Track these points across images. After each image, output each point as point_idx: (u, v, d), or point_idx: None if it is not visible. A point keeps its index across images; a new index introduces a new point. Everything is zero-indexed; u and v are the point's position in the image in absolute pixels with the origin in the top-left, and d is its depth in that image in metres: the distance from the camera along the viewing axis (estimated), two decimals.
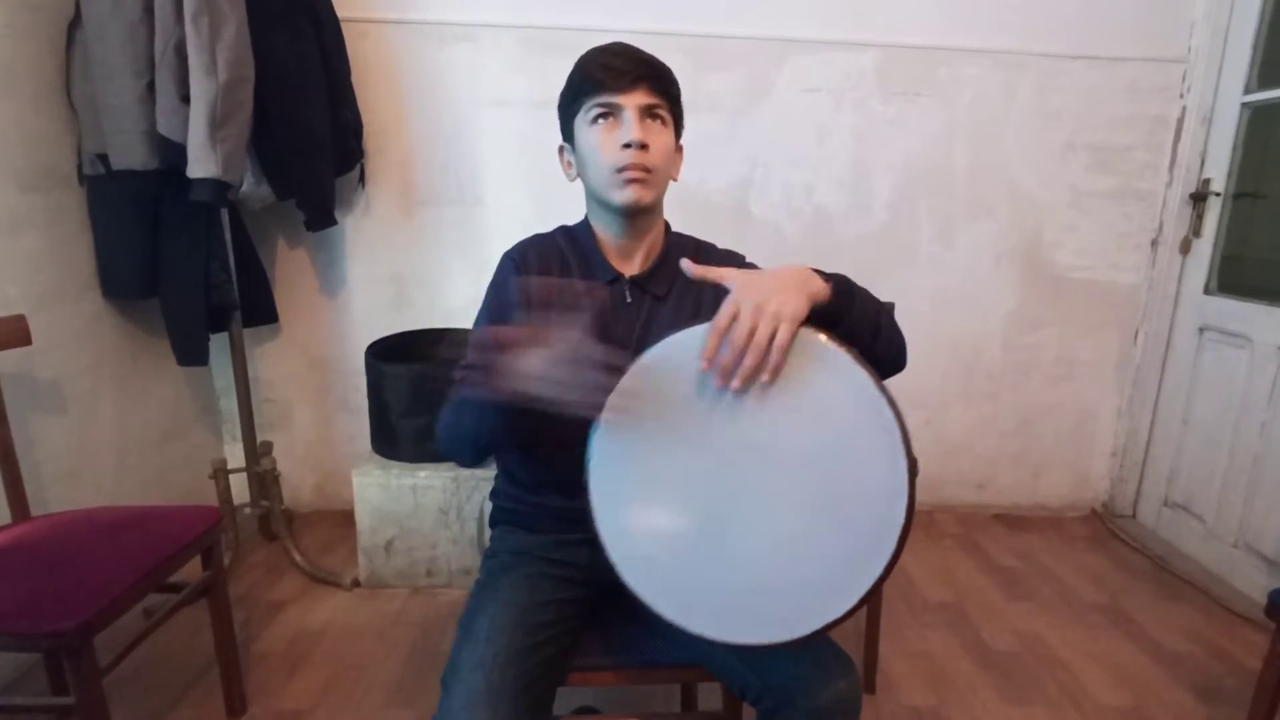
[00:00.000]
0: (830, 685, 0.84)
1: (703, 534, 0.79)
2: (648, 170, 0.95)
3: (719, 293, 1.04)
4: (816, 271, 0.81)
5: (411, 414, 1.88)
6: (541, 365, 0.73)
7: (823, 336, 0.75)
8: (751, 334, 0.72)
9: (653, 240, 1.05)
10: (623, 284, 1.02)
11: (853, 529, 0.74)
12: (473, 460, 0.96)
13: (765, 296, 0.74)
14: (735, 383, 0.73)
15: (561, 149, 1.05)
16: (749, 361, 0.73)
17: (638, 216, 1.01)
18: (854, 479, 0.73)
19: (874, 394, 0.73)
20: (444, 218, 2.18)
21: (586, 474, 0.82)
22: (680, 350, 0.78)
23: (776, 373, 0.73)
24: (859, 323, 0.83)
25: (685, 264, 0.82)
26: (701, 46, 2.08)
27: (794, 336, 0.73)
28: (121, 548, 1.20)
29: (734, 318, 0.74)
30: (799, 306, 0.74)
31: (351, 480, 1.87)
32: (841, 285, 0.82)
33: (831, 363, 0.74)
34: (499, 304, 1.00)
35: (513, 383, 0.74)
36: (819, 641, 0.88)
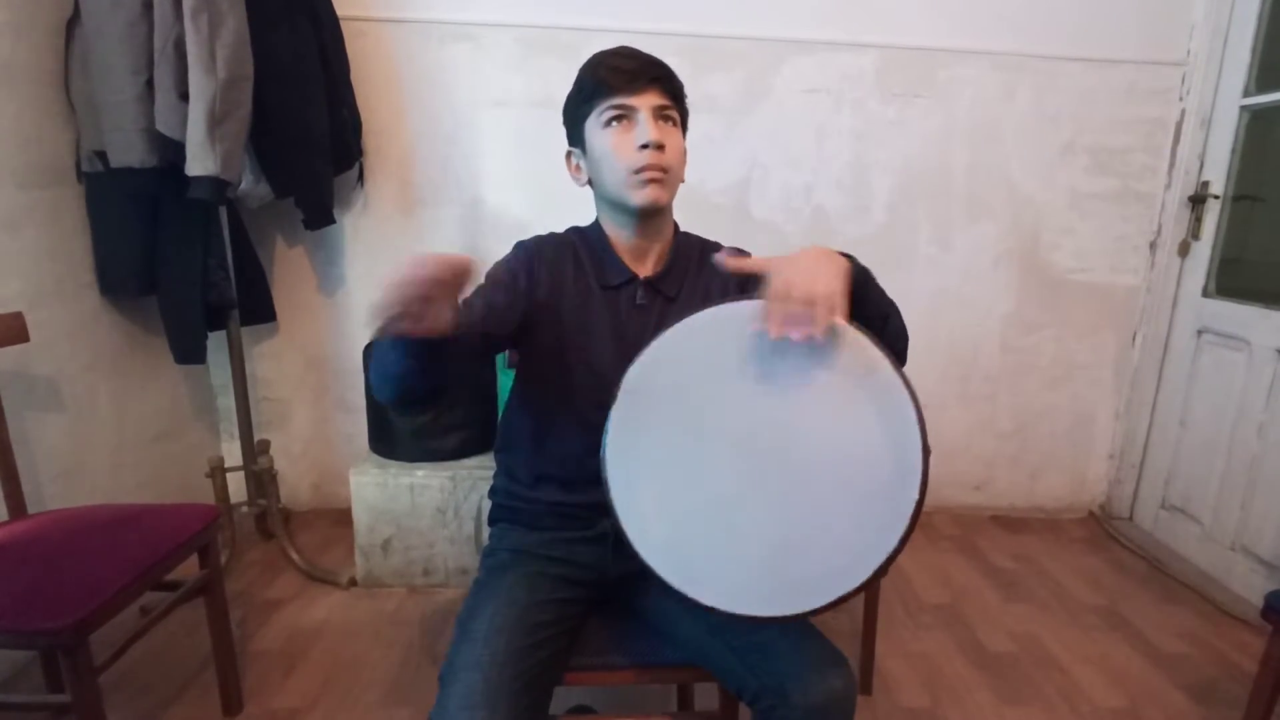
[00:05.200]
0: (825, 683, 0.85)
1: (717, 509, 0.80)
2: (665, 170, 0.96)
3: (726, 293, 1.04)
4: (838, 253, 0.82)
5: None
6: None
7: (839, 319, 0.76)
8: (809, 304, 0.73)
9: (664, 241, 1.06)
10: (636, 285, 1.03)
11: (867, 508, 0.75)
12: (391, 399, 0.88)
13: (814, 278, 0.74)
14: (795, 333, 0.73)
15: (569, 154, 1.05)
16: (807, 324, 0.73)
17: (653, 217, 1.01)
18: (867, 459, 0.75)
19: (890, 376, 0.74)
20: (443, 217, 2.17)
21: (604, 445, 0.83)
22: (700, 331, 0.80)
23: (826, 332, 0.74)
24: (874, 306, 0.86)
25: (719, 259, 0.84)
26: (700, 47, 2.08)
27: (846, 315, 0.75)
28: (118, 545, 1.19)
29: (788, 289, 0.73)
30: (843, 290, 0.75)
31: (349, 479, 1.87)
32: (859, 268, 0.84)
33: (851, 344, 0.76)
34: (496, 275, 1.00)
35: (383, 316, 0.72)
36: (814, 640, 0.89)
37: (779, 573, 0.78)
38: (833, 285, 0.74)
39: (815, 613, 0.77)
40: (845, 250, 0.83)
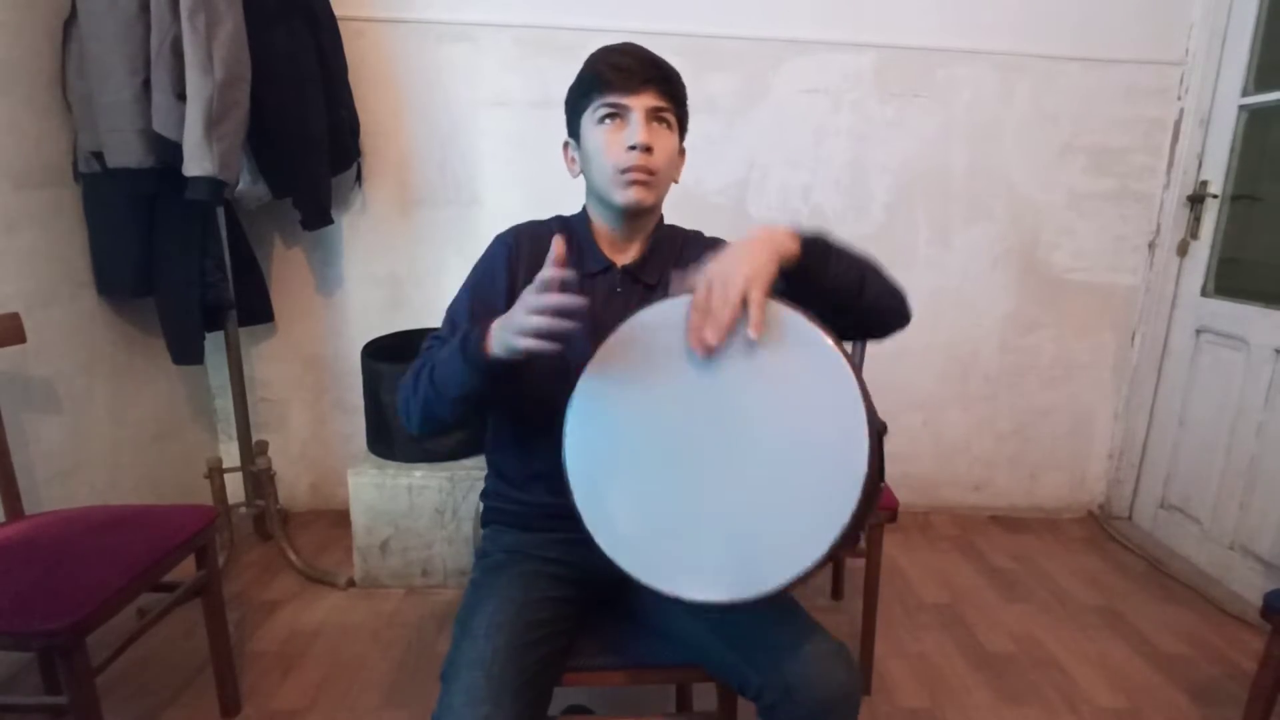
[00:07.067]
0: (830, 678, 0.85)
1: (674, 498, 0.82)
2: (651, 173, 0.97)
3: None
4: (795, 229, 0.84)
5: None
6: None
7: (775, 302, 0.78)
8: (725, 301, 0.76)
9: (646, 232, 1.07)
10: (614, 273, 1.04)
11: (818, 482, 0.75)
12: (418, 426, 0.97)
13: (733, 267, 0.77)
14: (712, 337, 0.77)
15: (566, 144, 1.06)
16: (724, 316, 0.76)
17: (638, 216, 1.02)
18: (817, 436, 0.76)
19: (830, 352, 0.76)
20: (440, 217, 2.17)
21: (563, 440, 0.85)
22: (655, 321, 0.82)
23: (759, 328, 0.76)
24: (840, 277, 0.87)
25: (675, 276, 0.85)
26: (699, 47, 2.08)
27: (768, 292, 0.77)
28: (115, 547, 1.19)
29: (708, 292, 0.77)
30: (767, 268, 0.78)
31: (347, 480, 1.87)
32: (814, 243, 0.85)
33: (790, 327, 0.78)
34: (483, 283, 1.03)
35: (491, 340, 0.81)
36: (817, 634, 0.89)
37: (739, 556, 0.79)
38: (752, 272, 0.76)
39: (773, 594, 0.76)
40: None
